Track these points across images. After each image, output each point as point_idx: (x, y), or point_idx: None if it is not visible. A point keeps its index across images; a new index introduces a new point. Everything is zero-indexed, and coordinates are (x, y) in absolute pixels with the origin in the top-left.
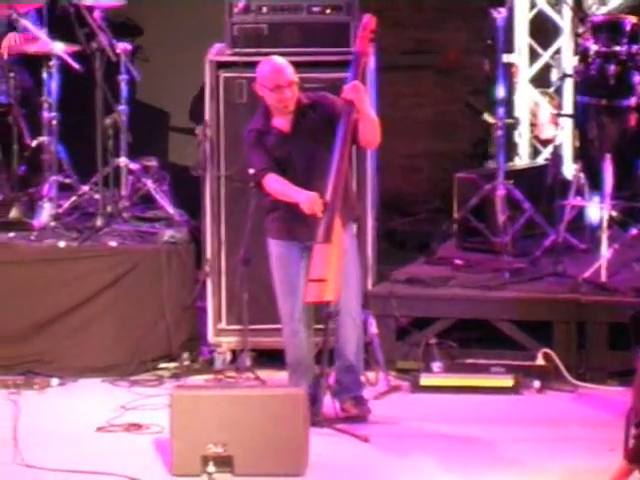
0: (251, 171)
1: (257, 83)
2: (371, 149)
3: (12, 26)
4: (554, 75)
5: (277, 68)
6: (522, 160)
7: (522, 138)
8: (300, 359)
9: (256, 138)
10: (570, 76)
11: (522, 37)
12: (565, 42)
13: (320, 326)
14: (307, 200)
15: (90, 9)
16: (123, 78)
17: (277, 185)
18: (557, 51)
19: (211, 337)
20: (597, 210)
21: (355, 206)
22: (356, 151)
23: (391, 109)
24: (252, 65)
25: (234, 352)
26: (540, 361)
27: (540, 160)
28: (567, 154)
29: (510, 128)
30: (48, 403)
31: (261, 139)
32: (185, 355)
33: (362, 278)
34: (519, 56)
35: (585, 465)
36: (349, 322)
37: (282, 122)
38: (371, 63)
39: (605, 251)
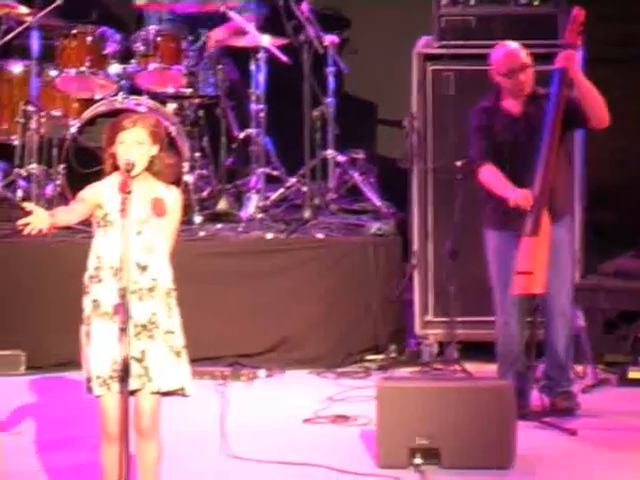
0: (459, 163)
1: (491, 69)
2: (602, 127)
3: (222, 19)
4: None
5: (510, 53)
6: None
7: None
8: (510, 349)
9: (482, 118)
10: None
11: None
12: None
13: (529, 319)
14: (517, 197)
15: (298, 1)
16: (330, 70)
17: (491, 178)
18: None
19: (418, 329)
20: None
21: (570, 199)
22: (566, 144)
23: None
24: (460, 58)
25: (441, 344)
26: None
27: None
28: None
29: None
30: (255, 394)
31: (487, 119)
32: (392, 347)
33: (574, 273)
34: None
35: None
36: (560, 318)
37: (513, 104)
38: (579, 56)
39: None
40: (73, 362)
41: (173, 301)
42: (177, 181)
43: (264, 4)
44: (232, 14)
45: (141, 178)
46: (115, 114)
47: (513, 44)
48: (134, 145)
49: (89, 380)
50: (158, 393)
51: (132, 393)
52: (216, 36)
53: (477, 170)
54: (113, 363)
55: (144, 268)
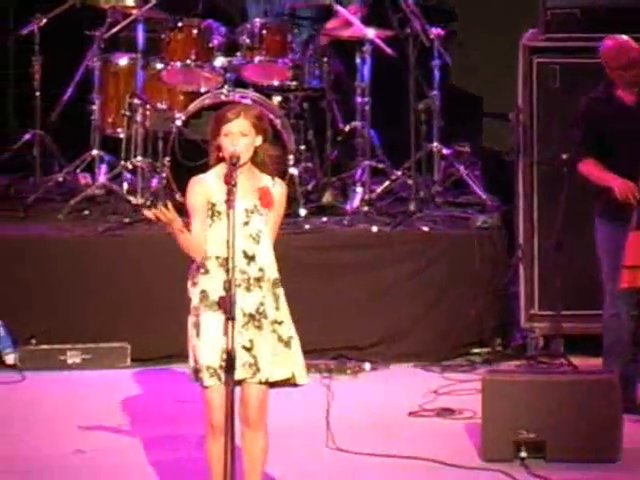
0: (565, 156)
1: (603, 62)
2: None
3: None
4: None
5: (621, 46)
6: None
7: None
8: (618, 342)
9: (590, 108)
10: None
11: None
12: None
13: (634, 312)
14: (621, 186)
15: None
16: (436, 64)
17: (592, 169)
18: None
19: (523, 322)
20: None
21: None
22: None
23: None
24: (565, 50)
25: (546, 338)
26: None
27: None
28: None
29: None
30: (360, 388)
31: (597, 109)
32: (497, 340)
33: None
34: None
35: None
36: None
37: (627, 93)
38: None
39: None
40: (177, 354)
41: (280, 291)
42: (282, 174)
43: None
44: (338, 7)
45: (246, 169)
46: (219, 107)
47: (623, 37)
48: (238, 136)
49: (198, 371)
50: (266, 383)
51: (238, 383)
52: (330, 29)
53: (577, 164)
54: (222, 353)
55: (251, 258)
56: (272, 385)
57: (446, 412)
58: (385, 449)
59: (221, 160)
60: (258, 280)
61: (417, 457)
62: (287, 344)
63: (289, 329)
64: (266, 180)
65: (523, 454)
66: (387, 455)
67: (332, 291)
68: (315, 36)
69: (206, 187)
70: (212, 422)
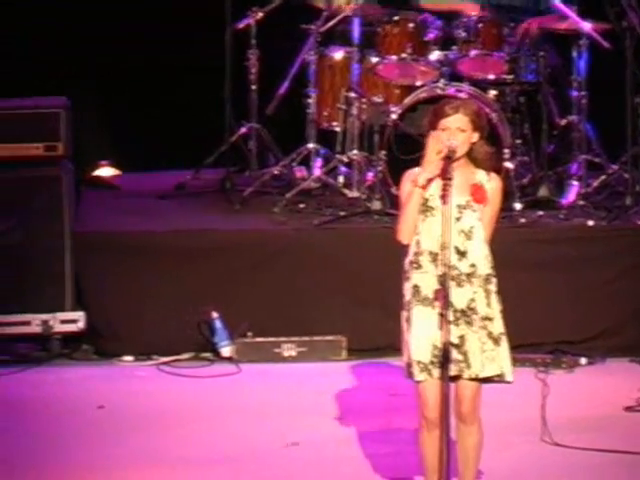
0: None
1: None
2: None
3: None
4: None
5: None
6: None
7: None
8: None
9: None
10: None
11: None
12: None
13: None
14: None
15: None
16: None
17: None
18: None
19: None
20: None
21: None
22: None
23: None
24: None
25: None
26: None
27: None
28: None
29: None
30: (576, 382)
31: None
32: None
33: None
34: None
35: None
36: None
37: None
38: None
39: None
40: (392, 347)
41: (492, 287)
42: (497, 169)
43: None
44: (555, 1)
45: (461, 165)
46: (435, 101)
47: None
48: (456, 132)
49: (410, 365)
50: (476, 379)
51: (452, 379)
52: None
53: None
54: (433, 349)
55: (463, 254)
56: (483, 380)
57: None
58: (602, 443)
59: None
60: (469, 276)
61: (635, 452)
62: (497, 341)
63: (500, 326)
64: (481, 176)
65: None
66: (605, 450)
67: (547, 285)
68: (530, 30)
69: (410, 189)
70: (426, 415)
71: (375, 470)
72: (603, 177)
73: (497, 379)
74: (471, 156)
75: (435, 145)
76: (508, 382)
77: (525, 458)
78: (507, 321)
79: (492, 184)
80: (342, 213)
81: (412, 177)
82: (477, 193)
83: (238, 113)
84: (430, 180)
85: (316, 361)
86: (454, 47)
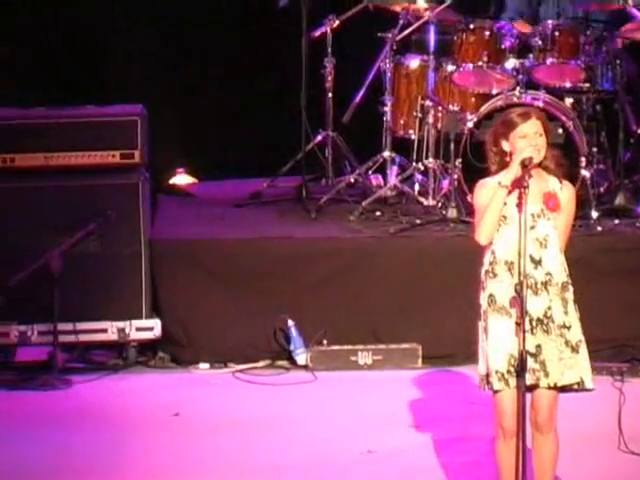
0: None
1: None
2: None
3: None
4: None
5: None
6: None
7: None
8: None
9: None
10: None
11: None
12: None
13: None
14: None
15: None
16: None
17: None
18: None
19: None
20: None
21: None
22: None
23: None
24: None
25: None
26: None
27: None
28: None
29: None
30: None
31: None
32: None
33: None
34: None
35: None
36: None
37: None
38: None
39: None
40: (468, 356)
41: (569, 295)
42: (572, 176)
43: None
44: (633, 10)
45: (535, 172)
46: (512, 109)
47: None
48: (536, 137)
49: (488, 375)
50: (554, 388)
51: (529, 389)
52: (625, 32)
53: None
54: (510, 358)
55: (538, 262)
56: (561, 390)
57: None
58: None
59: (504, 166)
60: (545, 284)
61: None
62: (575, 349)
63: (578, 333)
64: (553, 183)
65: None
66: None
67: (623, 293)
68: (609, 38)
69: (493, 190)
70: (502, 425)
71: (451, 479)
72: None
73: (577, 387)
74: (542, 163)
75: (518, 155)
76: (589, 390)
77: (602, 468)
78: (583, 329)
79: (565, 192)
80: (418, 221)
81: (485, 186)
82: (551, 201)
83: (314, 121)
84: (515, 184)
85: (391, 369)
86: (530, 55)
